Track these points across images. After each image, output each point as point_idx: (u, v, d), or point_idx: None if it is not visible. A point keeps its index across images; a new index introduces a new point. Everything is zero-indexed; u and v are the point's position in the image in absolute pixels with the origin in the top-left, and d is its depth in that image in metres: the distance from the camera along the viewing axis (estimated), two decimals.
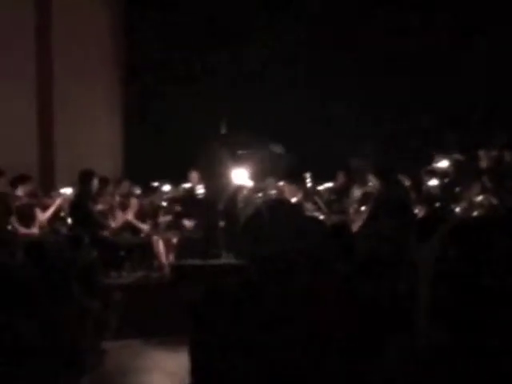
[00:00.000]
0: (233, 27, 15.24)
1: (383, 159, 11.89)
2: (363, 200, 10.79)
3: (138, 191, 12.37)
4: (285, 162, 10.36)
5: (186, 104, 14.96)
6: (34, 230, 10.15)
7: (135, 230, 11.39)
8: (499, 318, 1.43)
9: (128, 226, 11.36)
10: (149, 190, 12.45)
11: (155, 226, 11.46)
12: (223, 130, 10.06)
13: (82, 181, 10.33)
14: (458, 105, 14.42)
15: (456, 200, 10.84)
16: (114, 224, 11.00)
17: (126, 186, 12.26)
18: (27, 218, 10.19)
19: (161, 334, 8.28)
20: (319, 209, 11.65)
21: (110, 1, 15.63)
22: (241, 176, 10.12)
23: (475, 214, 9.79)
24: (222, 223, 9.84)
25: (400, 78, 14.71)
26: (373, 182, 10.15)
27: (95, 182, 10.41)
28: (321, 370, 2.17)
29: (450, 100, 14.52)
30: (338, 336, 2.20)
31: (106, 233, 10.50)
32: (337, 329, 2.23)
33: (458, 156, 12.04)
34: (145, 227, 11.36)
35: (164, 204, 11.91)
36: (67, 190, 10.98)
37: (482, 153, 11.51)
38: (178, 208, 11.64)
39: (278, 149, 10.39)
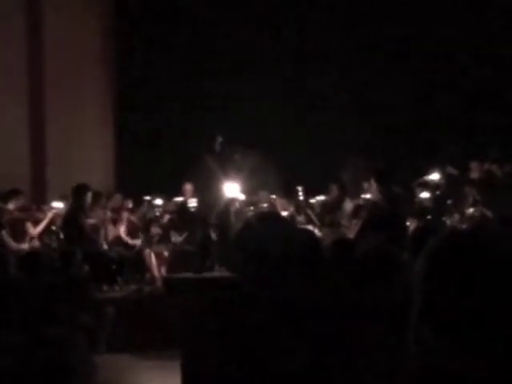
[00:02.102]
0: (228, 44, 15.33)
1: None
2: (355, 213, 10.80)
3: (130, 205, 12.35)
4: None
5: (178, 118, 15.01)
6: (24, 245, 10.08)
7: (127, 244, 11.37)
8: (491, 328, 1.44)
9: (120, 240, 11.35)
10: (141, 204, 12.43)
11: (147, 240, 11.44)
12: (217, 146, 10.06)
13: (76, 195, 10.25)
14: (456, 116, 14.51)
15: (448, 212, 10.87)
16: (105, 238, 10.98)
17: (117, 199, 12.23)
18: (18, 232, 10.14)
19: (153, 347, 8.26)
20: (311, 222, 11.66)
21: (101, 20, 15.66)
22: (233, 189, 10.13)
23: (466, 225, 9.81)
24: (214, 236, 9.83)
25: (395, 87, 14.79)
26: (372, 189, 10.12)
27: (89, 196, 10.35)
28: (317, 380, 2.17)
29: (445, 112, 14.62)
30: (335, 346, 2.21)
31: (97, 246, 10.47)
32: (332, 339, 2.23)
33: (450, 169, 12.07)
34: (137, 243, 11.34)
35: (156, 217, 11.90)
36: (59, 204, 10.94)
37: (474, 165, 11.55)
38: (169, 221, 11.63)
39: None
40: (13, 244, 9.90)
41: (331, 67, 15.20)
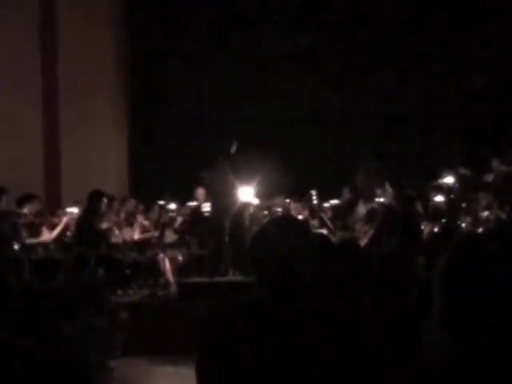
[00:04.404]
0: (241, 45, 15.37)
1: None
2: (369, 217, 10.78)
3: (143, 209, 12.38)
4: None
5: (191, 122, 15.03)
6: (45, 237, 10.16)
7: (141, 248, 11.39)
8: (509, 331, 1.43)
9: (134, 245, 11.37)
10: (154, 209, 12.46)
11: (161, 244, 11.46)
12: (233, 150, 10.05)
13: (91, 200, 10.30)
14: (468, 117, 14.43)
15: (462, 215, 10.82)
16: (119, 243, 11.00)
17: (131, 203, 12.27)
18: (34, 236, 10.19)
19: (167, 351, 8.26)
20: (325, 226, 11.64)
21: (114, 25, 15.73)
22: (247, 194, 10.12)
23: (481, 229, 9.77)
24: (228, 240, 9.83)
25: (402, 90, 14.76)
26: (386, 193, 10.11)
27: (104, 202, 10.39)
28: None
29: (459, 112, 14.56)
30: (348, 352, 2.20)
31: (111, 251, 10.49)
32: (345, 346, 2.22)
33: (463, 170, 12.00)
34: (154, 234, 11.42)
35: (169, 221, 11.92)
36: (73, 209, 10.98)
37: (495, 163, 11.43)
38: (183, 225, 11.65)
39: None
40: (32, 240, 9.98)
41: (342, 71, 15.17)
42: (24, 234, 9.97)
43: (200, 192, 11.52)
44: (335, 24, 15.25)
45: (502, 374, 1.43)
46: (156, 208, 12.39)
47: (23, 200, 10.32)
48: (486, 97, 14.18)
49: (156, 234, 11.57)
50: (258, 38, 15.37)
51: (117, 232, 11.02)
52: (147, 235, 11.56)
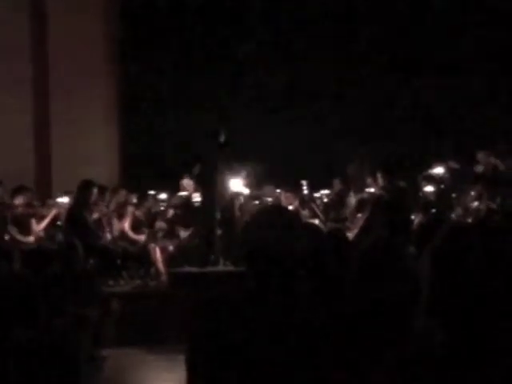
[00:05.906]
0: (230, 41, 15.37)
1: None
2: (359, 207, 10.80)
3: (134, 200, 12.35)
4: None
5: (182, 113, 15.02)
6: (30, 239, 10.13)
7: (132, 239, 11.38)
8: (496, 318, 1.45)
9: (125, 235, 11.36)
10: (145, 199, 12.44)
11: (152, 234, 11.45)
12: (221, 139, 10.03)
13: (81, 190, 10.27)
14: (457, 110, 14.48)
15: (452, 206, 10.86)
16: (110, 233, 10.97)
17: (122, 194, 12.24)
18: (23, 228, 10.16)
19: (158, 341, 8.28)
20: (316, 216, 11.65)
21: (106, 22, 15.65)
22: (237, 184, 10.12)
23: (470, 219, 9.81)
24: (219, 230, 9.83)
25: (397, 83, 14.78)
26: (377, 183, 10.13)
27: (94, 192, 10.36)
28: (321, 377, 2.18)
29: (448, 105, 14.59)
30: (337, 341, 2.21)
31: (102, 241, 10.47)
32: (335, 334, 2.24)
33: (452, 163, 12.03)
34: (141, 238, 11.33)
35: (160, 212, 11.92)
36: (63, 199, 10.95)
37: (480, 155, 11.49)
38: (174, 215, 11.64)
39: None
40: (19, 237, 9.94)
41: (334, 61, 15.18)
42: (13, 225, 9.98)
43: (187, 183, 11.52)
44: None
45: (488, 359, 1.45)
46: (151, 198, 12.38)
47: (15, 191, 10.30)
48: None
49: (142, 237, 11.46)
50: (243, 38, 15.40)
51: (107, 224, 11.01)
52: (136, 237, 11.48)
